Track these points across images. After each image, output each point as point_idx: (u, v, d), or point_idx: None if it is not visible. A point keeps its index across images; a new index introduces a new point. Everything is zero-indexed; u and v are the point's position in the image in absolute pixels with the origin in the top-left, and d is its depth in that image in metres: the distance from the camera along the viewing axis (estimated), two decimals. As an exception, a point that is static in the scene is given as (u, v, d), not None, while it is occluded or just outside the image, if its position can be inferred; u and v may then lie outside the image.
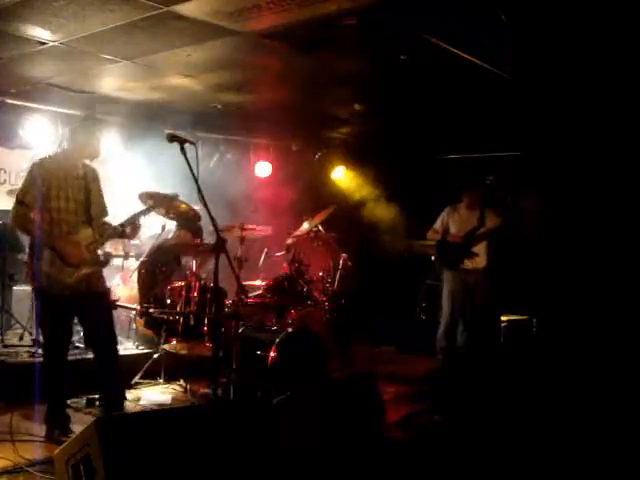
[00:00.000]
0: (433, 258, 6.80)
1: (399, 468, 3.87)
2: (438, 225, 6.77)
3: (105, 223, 4.58)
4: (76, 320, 4.66)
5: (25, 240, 6.07)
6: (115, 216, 4.72)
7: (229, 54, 5.06)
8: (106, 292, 4.68)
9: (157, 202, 5.10)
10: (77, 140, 4.43)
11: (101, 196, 4.60)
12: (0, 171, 6.96)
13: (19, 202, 4.23)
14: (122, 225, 4.49)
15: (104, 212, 4.61)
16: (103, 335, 4.47)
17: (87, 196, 4.39)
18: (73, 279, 4.20)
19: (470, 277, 6.52)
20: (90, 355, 5.58)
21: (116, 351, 4.57)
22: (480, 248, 6.51)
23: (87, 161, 4.54)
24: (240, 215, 6.87)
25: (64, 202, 4.27)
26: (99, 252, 4.43)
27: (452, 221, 6.70)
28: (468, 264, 6.50)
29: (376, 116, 7.08)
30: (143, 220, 4.66)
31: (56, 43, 4.80)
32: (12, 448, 3.99)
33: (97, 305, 4.43)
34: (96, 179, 4.56)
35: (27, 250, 4.37)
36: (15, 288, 6.56)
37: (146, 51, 4.98)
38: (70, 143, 4.48)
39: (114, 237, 4.67)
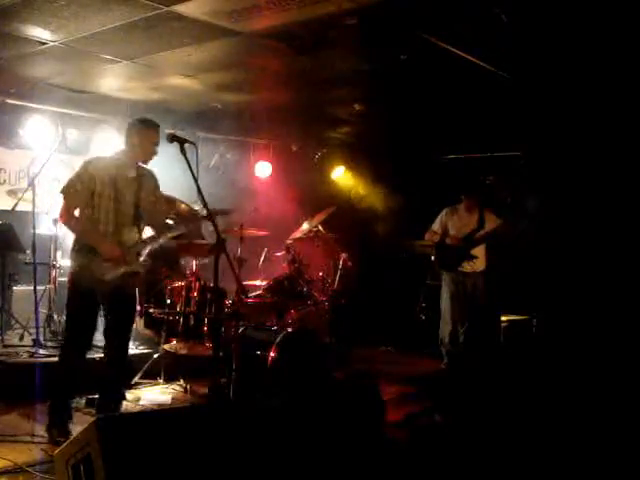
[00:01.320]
0: (433, 258, 6.79)
1: (399, 468, 3.87)
2: (436, 226, 6.76)
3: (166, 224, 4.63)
4: None
5: (26, 242, 6.12)
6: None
7: (229, 54, 5.06)
8: (135, 294, 4.70)
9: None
10: (131, 142, 4.39)
11: (157, 198, 4.56)
12: (0, 171, 6.97)
13: (65, 198, 4.26)
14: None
15: (158, 215, 4.59)
16: (119, 337, 4.48)
17: (137, 199, 4.37)
18: (110, 276, 4.20)
19: (469, 280, 6.51)
20: (91, 355, 5.59)
21: (125, 357, 4.59)
22: (479, 250, 6.50)
23: (142, 163, 4.49)
24: (240, 215, 6.87)
25: (107, 201, 4.26)
26: (141, 254, 4.42)
27: (451, 223, 6.68)
28: (467, 267, 6.49)
29: (376, 116, 7.08)
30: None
31: (56, 43, 4.80)
32: (12, 448, 4.00)
33: (124, 305, 4.43)
34: (152, 182, 4.54)
35: (72, 246, 4.36)
36: (15, 288, 6.55)
37: (146, 51, 4.99)
38: (125, 144, 4.44)
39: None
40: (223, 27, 4.40)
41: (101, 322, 4.58)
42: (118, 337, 4.48)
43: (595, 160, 6.85)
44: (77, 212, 4.29)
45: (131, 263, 4.32)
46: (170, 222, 4.72)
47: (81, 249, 4.24)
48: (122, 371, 4.65)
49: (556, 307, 7.15)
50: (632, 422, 4.79)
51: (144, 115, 4.60)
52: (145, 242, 4.46)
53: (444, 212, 6.76)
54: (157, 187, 4.60)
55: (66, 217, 4.29)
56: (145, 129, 4.40)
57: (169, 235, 4.58)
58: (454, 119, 6.85)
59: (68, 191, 4.25)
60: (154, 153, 4.46)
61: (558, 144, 7.04)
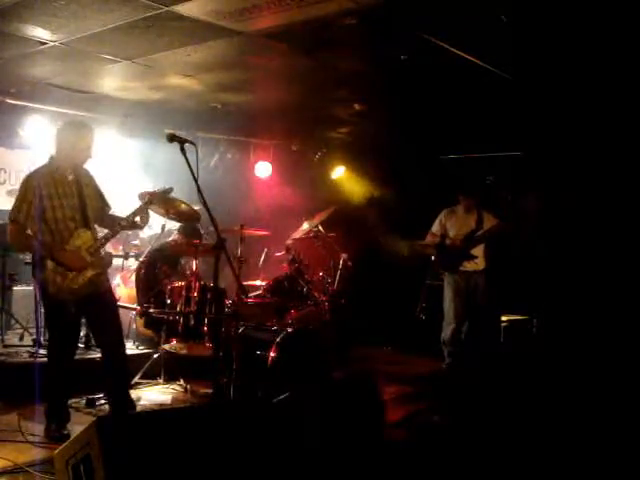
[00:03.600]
0: (433, 259, 6.80)
1: (399, 468, 3.87)
2: (436, 228, 6.76)
3: (113, 216, 4.59)
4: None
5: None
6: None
7: (229, 54, 5.06)
8: (110, 290, 4.68)
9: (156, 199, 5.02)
10: (62, 147, 4.36)
11: (99, 195, 4.59)
12: (0, 171, 6.97)
13: (12, 220, 4.20)
14: (132, 215, 4.47)
15: (104, 209, 4.61)
16: (110, 336, 4.48)
17: (82, 200, 4.35)
18: (78, 283, 4.21)
19: (471, 279, 6.53)
20: (91, 355, 5.61)
21: (124, 352, 4.59)
22: (478, 250, 6.51)
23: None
24: (240, 215, 6.87)
25: (60, 211, 4.23)
26: (101, 253, 4.42)
27: (450, 223, 6.69)
28: (468, 266, 6.51)
29: (376, 116, 7.08)
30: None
31: (56, 43, 4.80)
32: (12, 448, 4.00)
33: (103, 305, 4.43)
34: (89, 181, 4.53)
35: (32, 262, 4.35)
36: (15, 288, 6.56)
37: (146, 51, 4.98)
38: (56, 150, 4.39)
39: (127, 228, 4.69)
40: (223, 27, 4.40)
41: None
42: (111, 337, 4.47)
43: (595, 160, 6.85)
44: (28, 231, 4.23)
45: (95, 264, 4.31)
46: (114, 214, 4.65)
47: (43, 263, 4.18)
48: (125, 373, 4.64)
49: (556, 307, 7.15)
50: (632, 422, 4.79)
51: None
52: (102, 240, 4.41)
53: (443, 213, 6.77)
54: (96, 184, 4.58)
55: (17, 240, 4.26)
56: (77, 132, 4.38)
57: (123, 224, 4.47)
58: (454, 119, 6.85)
59: (17, 217, 4.19)
60: (88, 156, 4.44)
61: (558, 144, 7.04)
